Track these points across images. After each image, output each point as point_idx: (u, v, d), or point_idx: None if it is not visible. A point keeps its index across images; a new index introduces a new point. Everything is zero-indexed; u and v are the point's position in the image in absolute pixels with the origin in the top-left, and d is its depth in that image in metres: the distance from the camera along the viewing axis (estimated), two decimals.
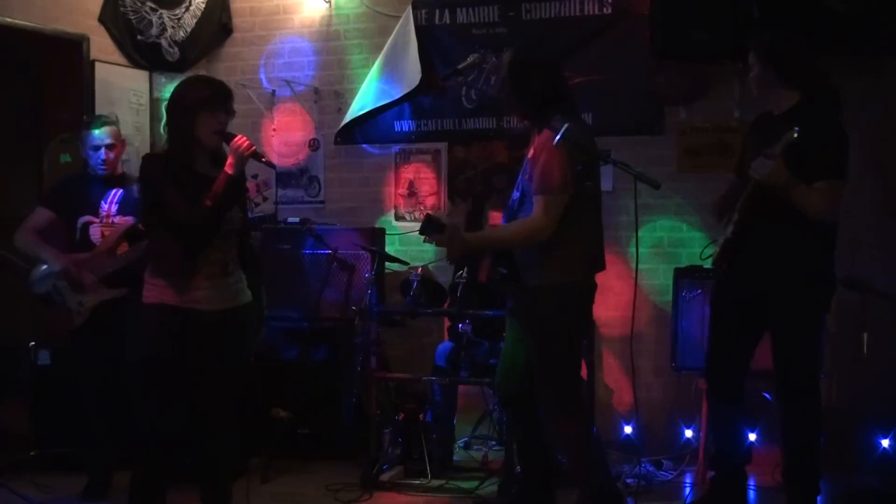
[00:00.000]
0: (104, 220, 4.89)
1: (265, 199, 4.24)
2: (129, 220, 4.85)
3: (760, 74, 4.15)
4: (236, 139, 3.71)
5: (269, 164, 4.02)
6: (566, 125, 3.74)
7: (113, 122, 5.04)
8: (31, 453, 5.32)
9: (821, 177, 3.96)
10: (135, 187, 4.92)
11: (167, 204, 3.65)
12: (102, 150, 4.90)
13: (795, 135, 3.81)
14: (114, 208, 4.90)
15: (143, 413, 3.77)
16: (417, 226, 6.20)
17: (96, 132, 4.91)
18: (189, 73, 6.75)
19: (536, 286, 4.03)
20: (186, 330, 3.71)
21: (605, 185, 5.70)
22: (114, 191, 4.93)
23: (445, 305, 5.52)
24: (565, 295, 3.99)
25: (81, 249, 4.87)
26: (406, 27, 6.29)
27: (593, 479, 4.09)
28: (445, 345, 5.45)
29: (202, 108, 3.69)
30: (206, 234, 3.70)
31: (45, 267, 4.86)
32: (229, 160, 3.69)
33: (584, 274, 4.03)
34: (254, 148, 3.74)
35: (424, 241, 4.25)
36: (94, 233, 4.88)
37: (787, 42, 4.20)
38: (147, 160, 3.82)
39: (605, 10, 5.91)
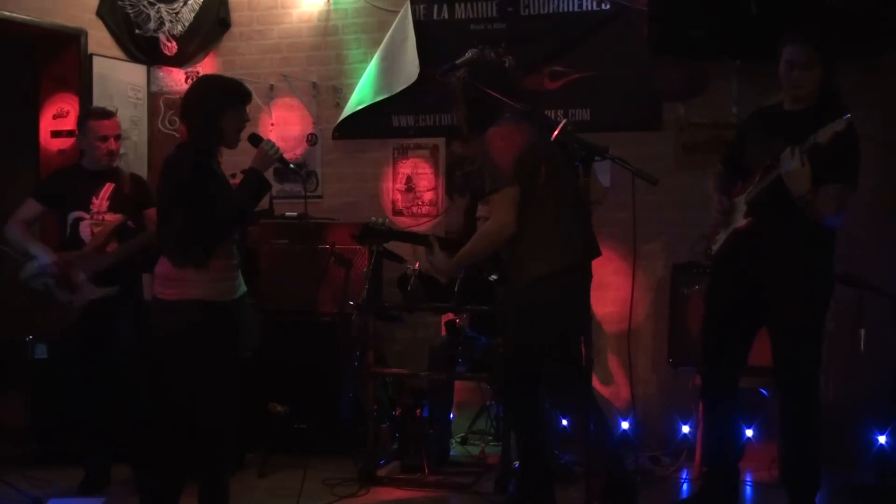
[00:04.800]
0: (94, 217, 4.85)
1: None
2: (119, 217, 4.83)
3: (815, 69, 4.04)
4: (267, 140, 3.84)
5: (295, 172, 4.14)
6: (563, 122, 3.76)
7: (115, 114, 5.04)
8: (28, 447, 5.32)
9: (835, 180, 3.92)
10: (126, 183, 4.91)
11: (207, 196, 3.65)
12: (111, 140, 4.89)
13: (845, 124, 3.75)
14: (105, 204, 4.87)
15: (196, 410, 3.75)
16: (416, 222, 6.29)
17: (105, 122, 4.89)
18: (187, 68, 6.76)
19: (518, 287, 4.09)
20: (211, 322, 3.72)
21: (603, 181, 5.74)
22: (106, 185, 4.89)
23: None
24: (544, 290, 4.01)
25: (71, 246, 4.83)
26: (404, 22, 6.28)
27: (605, 469, 4.10)
28: (443, 339, 5.45)
29: (232, 105, 3.76)
30: (237, 227, 3.78)
31: (36, 263, 4.82)
32: (257, 158, 3.79)
33: (562, 266, 4.01)
34: (281, 153, 3.86)
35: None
36: (84, 229, 4.84)
37: (827, 33, 4.18)
38: (182, 151, 3.81)
39: (603, 6, 5.91)
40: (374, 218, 4.65)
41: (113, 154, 4.90)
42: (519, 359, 4.12)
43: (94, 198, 4.87)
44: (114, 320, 4.74)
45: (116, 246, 4.79)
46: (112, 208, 4.85)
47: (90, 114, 4.96)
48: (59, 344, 5.02)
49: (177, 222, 3.72)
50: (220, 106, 3.73)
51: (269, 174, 3.92)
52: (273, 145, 3.82)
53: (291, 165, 4.05)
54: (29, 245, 4.84)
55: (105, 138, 4.87)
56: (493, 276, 4.30)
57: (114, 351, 4.77)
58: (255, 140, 3.85)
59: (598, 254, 4.26)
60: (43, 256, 4.78)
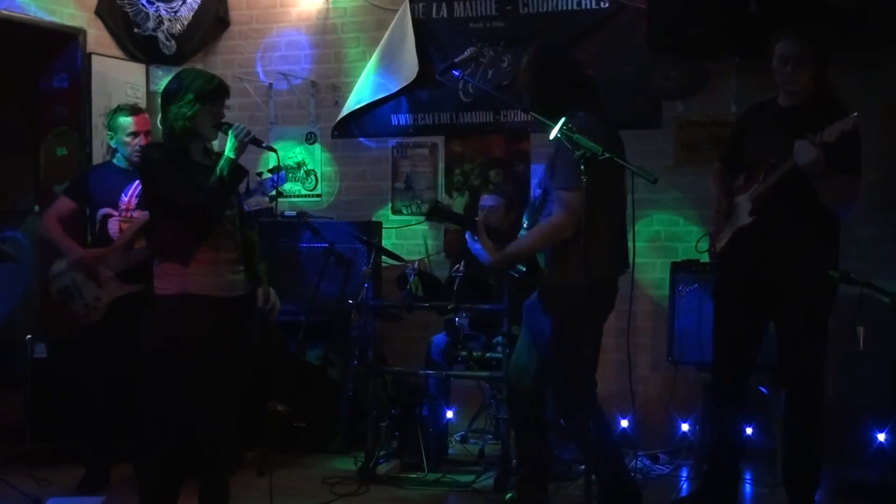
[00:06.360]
0: (123, 214, 4.86)
1: (282, 192, 4.38)
2: (147, 214, 4.82)
3: (809, 64, 4.03)
4: (236, 125, 3.81)
5: (269, 149, 4.06)
6: (563, 119, 3.74)
7: (144, 110, 5.05)
8: (28, 446, 5.32)
9: (845, 170, 3.93)
10: None
11: (172, 190, 3.68)
12: (141, 137, 4.88)
13: (853, 123, 3.77)
14: (133, 202, 4.86)
15: (167, 406, 3.74)
16: (415, 220, 6.29)
17: (134, 118, 4.89)
18: (186, 67, 6.75)
19: (548, 286, 4.07)
20: (210, 318, 3.72)
21: None
22: (135, 183, 4.86)
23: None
24: (569, 297, 3.97)
25: (100, 243, 4.86)
26: (403, 21, 6.28)
27: (608, 474, 4.08)
28: (440, 338, 5.45)
29: (207, 100, 3.76)
30: (211, 217, 3.74)
31: (64, 260, 4.86)
32: (230, 145, 3.76)
33: (591, 277, 3.75)
34: (252, 134, 3.83)
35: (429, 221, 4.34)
36: (112, 226, 4.85)
37: (820, 30, 4.19)
38: (147, 149, 3.86)
39: (602, 4, 5.91)
40: (443, 196, 4.58)
41: None
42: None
43: (122, 195, 4.87)
44: (137, 318, 4.72)
45: (144, 243, 4.77)
46: (140, 206, 4.84)
47: (119, 110, 4.96)
48: (71, 340, 5.00)
49: (159, 219, 3.74)
50: (193, 103, 3.73)
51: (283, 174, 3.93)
52: (242, 129, 3.80)
53: (264, 144, 4.01)
54: (58, 242, 4.87)
55: (135, 134, 4.87)
56: (522, 268, 4.24)
57: (134, 348, 4.74)
58: (224, 127, 3.83)
59: (627, 268, 4.14)
60: (69, 255, 4.81)
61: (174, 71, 6.62)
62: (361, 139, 6.52)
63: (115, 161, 5.02)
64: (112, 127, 4.92)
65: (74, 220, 5.12)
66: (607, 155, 3.71)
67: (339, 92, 6.56)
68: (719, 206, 4.28)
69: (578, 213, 3.83)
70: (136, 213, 4.84)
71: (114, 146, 4.99)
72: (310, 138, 6.65)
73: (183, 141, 3.78)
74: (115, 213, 4.87)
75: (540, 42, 4.37)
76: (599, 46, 5.92)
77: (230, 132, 3.78)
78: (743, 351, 4.26)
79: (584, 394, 4.08)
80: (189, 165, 3.76)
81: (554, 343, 4.05)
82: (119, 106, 5.08)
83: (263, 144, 3.99)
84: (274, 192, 4.54)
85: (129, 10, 6.55)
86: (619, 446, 4.54)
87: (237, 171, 3.77)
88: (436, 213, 4.30)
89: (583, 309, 3.84)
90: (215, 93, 3.80)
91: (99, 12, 6.42)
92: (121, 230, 4.83)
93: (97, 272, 4.77)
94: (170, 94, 3.79)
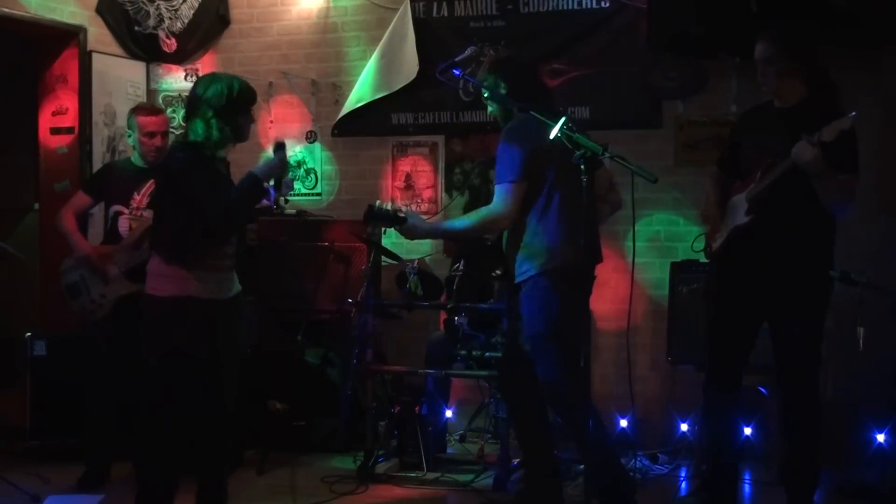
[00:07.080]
0: (133, 213, 4.87)
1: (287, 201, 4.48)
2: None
3: (778, 63, 4.06)
4: (283, 154, 3.82)
5: (287, 187, 3.99)
6: (563, 119, 3.76)
7: (164, 111, 5.05)
8: (27, 444, 5.32)
9: (843, 169, 3.93)
10: None
11: (192, 196, 3.64)
12: (158, 137, 4.87)
13: (851, 122, 3.77)
14: (144, 201, 4.86)
15: (169, 406, 3.73)
16: None
17: (152, 118, 4.88)
18: (186, 65, 6.76)
19: (520, 283, 4.11)
20: (208, 320, 3.73)
21: None
22: (149, 182, 4.84)
23: (442, 298, 5.51)
24: (541, 287, 4.03)
25: (111, 239, 4.89)
26: (404, 20, 6.28)
27: (603, 470, 4.09)
28: (440, 337, 5.45)
29: (247, 104, 3.79)
30: (228, 232, 3.77)
31: (73, 255, 4.90)
32: (264, 164, 3.80)
33: (560, 264, 3.99)
34: (290, 178, 3.92)
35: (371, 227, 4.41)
36: (122, 224, 4.87)
37: (803, 29, 4.19)
38: (174, 150, 3.82)
39: (602, 4, 5.91)
40: (385, 203, 4.63)
41: (159, 150, 4.84)
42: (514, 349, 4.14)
43: (135, 193, 4.87)
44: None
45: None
46: (151, 205, 4.82)
47: (137, 109, 4.96)
48: (85, 337, 5.08)
49: (172, 220, 3.72)
50: (235, 109, 3.73)
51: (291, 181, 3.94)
52: (285, 162, 3.81)
53: (284, 190, 3.92)
54: (70, 237, 4.89)
55: (151, 134, 4.86)
56: (497, 272, 4.29)
57: (138, 348, 4.74)
58: (278, 147, 3.84)
59: (600, 259, 4.25)
60: (76, 250, 4.84)
61: (175, 69, 6.68)
62: (361, 138, 6.52)
63: (132, 159, 5.03)
64: (130, 125, 4.93)
65: (83, 216, 5.18)
66: (607, 155, 3.73)
67: (339, 91, 6.56)
68: (706, 211, 4.30)
69: (514, 207, 4.01)
70: (145, 213, 4.83)
71: (131, 144, 5.00)
72: (310, 137, 6.65)
73: (220, 146, 3.76)
74: (126, 211, 4.88)
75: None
76: (599, 46, 5.92)
77: (276, 153, 3.79)
78: (734, 350, 4.26)
79: (571, 383, 4.08)
80: (211, 172, 3.74)
81: (534, 335, 4.12)
82: (139, 105, 5.10)
83: (284, 191, 3.91)
84: (282, 200, 4.53)
85: (129, 9, 6.55)
86: (610, 437, 4.53)
87: (259, 190, 3.74)
88: (371, 217, 4.28)
89: (556, 297, 4.01)
90: (252, 99, 3.83)
91: (99, 10, 6.42)
92: (130, 228, 4.84)
93: (104, 269, 4.80)
94: (213, 99, 3.69)
